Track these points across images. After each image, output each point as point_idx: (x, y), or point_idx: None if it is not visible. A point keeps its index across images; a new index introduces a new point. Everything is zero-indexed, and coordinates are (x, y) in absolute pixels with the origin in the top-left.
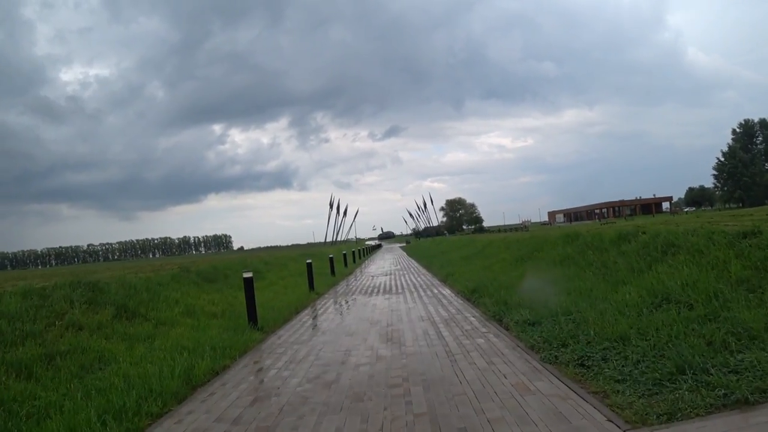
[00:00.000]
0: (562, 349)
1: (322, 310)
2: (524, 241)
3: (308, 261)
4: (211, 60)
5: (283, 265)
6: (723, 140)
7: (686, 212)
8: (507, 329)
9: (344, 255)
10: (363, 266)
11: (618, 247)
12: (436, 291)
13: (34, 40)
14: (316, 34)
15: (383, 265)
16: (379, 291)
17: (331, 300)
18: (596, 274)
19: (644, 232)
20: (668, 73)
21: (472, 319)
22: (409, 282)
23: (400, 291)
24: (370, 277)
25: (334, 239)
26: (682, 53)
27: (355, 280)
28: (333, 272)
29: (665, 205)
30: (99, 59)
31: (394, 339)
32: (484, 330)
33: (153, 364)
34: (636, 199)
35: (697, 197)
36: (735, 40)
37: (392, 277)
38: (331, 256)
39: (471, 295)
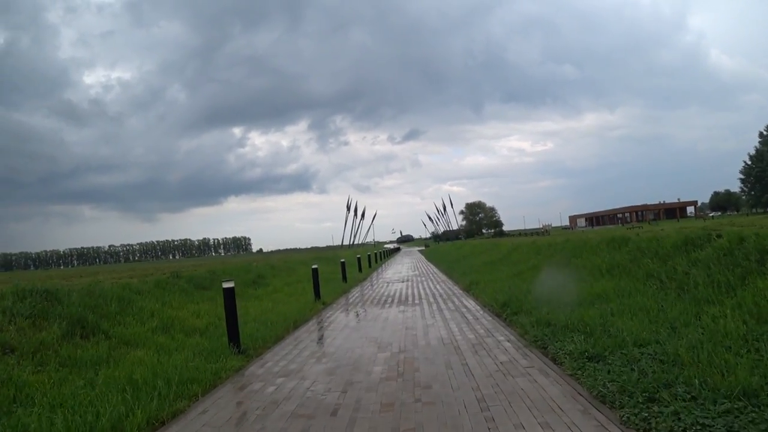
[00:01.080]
0: (652, 407)
1: (324, 325)
2: (557, 246)
3: (313, 266)
4: (231, 63)
5: (292, 269)
6: (747, 144)
7: (712, 217)
8: (556, 363)
9: (358, 259)
10: (379, 271)
11: (686, 254)
12: (458, 302)
13: (58, 44)
14: (336, 37)
15: (400, 270)
16: (393, 301)
17: (338, 312)
18: (663, 289)
19: (719, 235)
20: (691, 76)
21: (507, 344)
22: (427, 290)
23: (416, 302)
24: (385, 284)
25: (352, 242)
26: (705, 55)
27: (369, 287)
28: (345, 278)
29: (690, 210)
30: (121, 62)
31: (407, 374)
32: (525, 363)
33: (75, 410)
34: (660, 204)
35: (722, 202)
36: (759, 42)
37: (409, 284)
38: (342, 260)
39: (501, 310)
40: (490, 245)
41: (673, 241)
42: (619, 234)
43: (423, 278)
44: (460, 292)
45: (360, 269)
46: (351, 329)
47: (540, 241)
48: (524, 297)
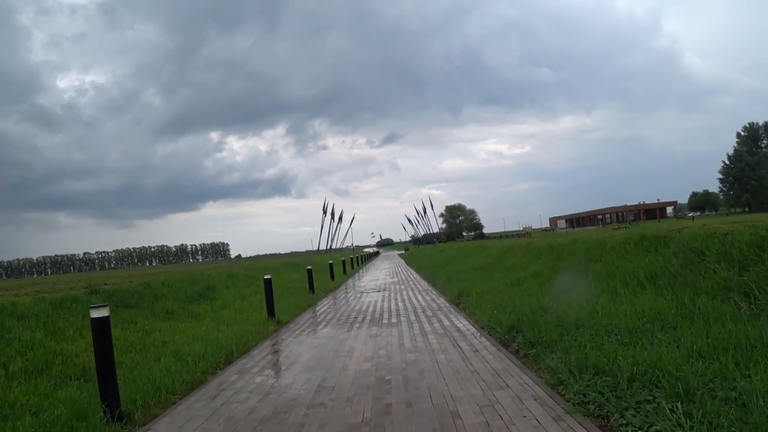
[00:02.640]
0: None
1: (264, 361)
2: (564, 248)
3: (266, 276)
4: (207, 66)
5: (253, 278)
6: (721, 146)
7: (692, 217)
8: None
9: (330, 265)
10: (355, 278)
11: None
12: (446, 322)
13: (30, 46)
14: (313, 40)
15: (377, 277)
16: (365, 318)
17: (291, 337)
18: (765, 311)
19: None
20: (665, 79)
21: (537, 409)
22: (407, 303)
23: (393, 320)
24: (359, 294)
25: (329, 247)
26: (679, 59)
27: (342, 298)
28: (312, 288)
29: (669, 210)
30: (95, 66)
31: None
32: None
33: None
34: (640, 204)
35: (701, 202)
36: (731, 46)
37: (386, 294)
38: (309, 267)
39: (509, 336)
40: (476, 248)
41: (749, 240)
42: (652, 232)
43: (402, 286)
44: (447, 305)
45: (332, 276)
46: (299, 368)
47: (539, 244)
48: (539, 317)
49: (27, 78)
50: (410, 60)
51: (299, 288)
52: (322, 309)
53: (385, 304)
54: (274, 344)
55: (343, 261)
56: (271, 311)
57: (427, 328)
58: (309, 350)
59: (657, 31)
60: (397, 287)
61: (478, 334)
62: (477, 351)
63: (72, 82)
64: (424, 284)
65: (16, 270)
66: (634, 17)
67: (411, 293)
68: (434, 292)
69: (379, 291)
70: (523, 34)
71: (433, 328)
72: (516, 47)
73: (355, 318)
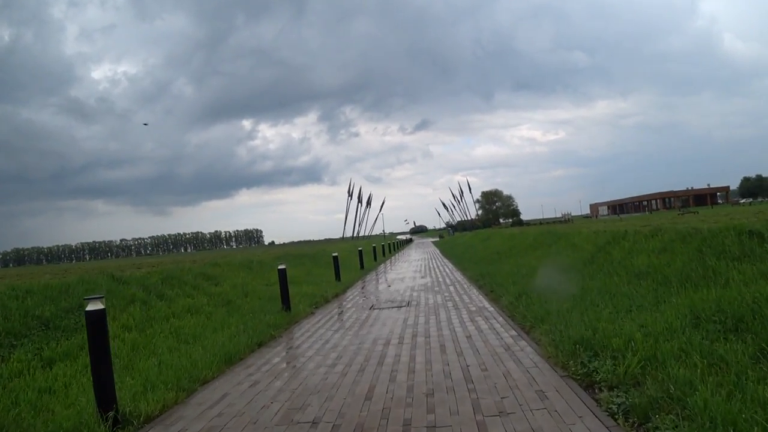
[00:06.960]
0: None
1: None
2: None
3: (89, 308)
4: (236, 55)
5: (212, 278)
6: (764, 131)
7: (749, 203)
8: None
9: (335, 259)
10: (373, 275)
11: None
12: None
13: (63, 39)
14: (341, 27)
15: (404, 275)
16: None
17: None
18: None
19: None
20: (704, 62)
21: None
22: (452, 352)
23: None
24: (364, 315)
25: (355, 233)
26: (718, 41)
27: (328, 324)
28: (286, 303)
29: (718, 196)
30: (127, 57)
31: None
32: None
33: None
34: (688, 190)
35: (753, 187)
36: None
37: (412, 317)
38: (282, 266)
39: None
40: (541, 236)
41: None
42: None
43: (440, 297)
44: (557, 379)
45: (338, 276)
46: None
47: (671, 226)
48: None
49: (61, 71)
50: (440, 46)
51: (272, 299)
52: (275, 360)
53: (404, 357)
54: None
55: (360, 251)
56: (104, 402)
57: None
58: None
59: (694, 11)
60: (431, 299)
61: None
62: None
63: (105, 73)
64: (475, 294)
65: (56, 256)
66: None
67: (454, 315)
68: (502, 321)
69: (400, 307)
70: (555, 18)
71: None
72: (548, 31)
73: (335, 415)
